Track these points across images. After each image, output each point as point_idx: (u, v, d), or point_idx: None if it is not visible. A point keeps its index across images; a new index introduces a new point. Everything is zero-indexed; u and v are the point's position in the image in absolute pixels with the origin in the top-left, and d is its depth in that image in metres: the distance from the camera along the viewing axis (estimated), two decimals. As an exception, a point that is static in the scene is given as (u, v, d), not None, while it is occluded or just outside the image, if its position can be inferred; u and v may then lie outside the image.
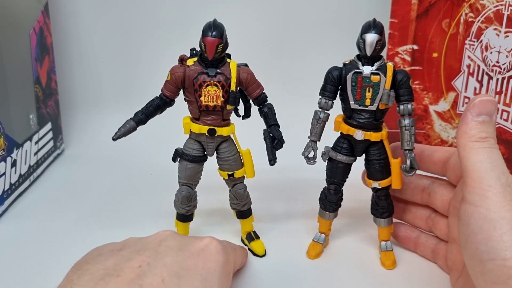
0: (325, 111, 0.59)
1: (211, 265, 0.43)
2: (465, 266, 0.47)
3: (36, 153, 0.83)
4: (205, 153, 0.61)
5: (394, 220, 0.63)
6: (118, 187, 0.81)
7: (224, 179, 0.63)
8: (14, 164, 0.75)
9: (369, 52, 0.54)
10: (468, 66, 0.78)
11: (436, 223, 0.59)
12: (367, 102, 0.56)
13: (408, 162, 0.56)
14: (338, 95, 0.58)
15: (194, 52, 0.59)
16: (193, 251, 0.43)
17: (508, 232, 0.42)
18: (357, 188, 0.64)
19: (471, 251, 0.44)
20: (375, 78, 0.55)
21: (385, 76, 0.55)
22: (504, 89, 0.72)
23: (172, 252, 0.42)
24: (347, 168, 0.60)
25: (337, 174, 0.60)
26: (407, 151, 0.56)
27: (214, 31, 0.55)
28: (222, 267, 0.44)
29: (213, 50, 0.55)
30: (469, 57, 0.78)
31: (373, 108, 0.56)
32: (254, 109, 0.62)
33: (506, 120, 0.72)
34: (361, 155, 0.60)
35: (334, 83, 0.57)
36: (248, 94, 0.60)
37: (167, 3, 0.96)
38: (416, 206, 0.62)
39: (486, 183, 0.45)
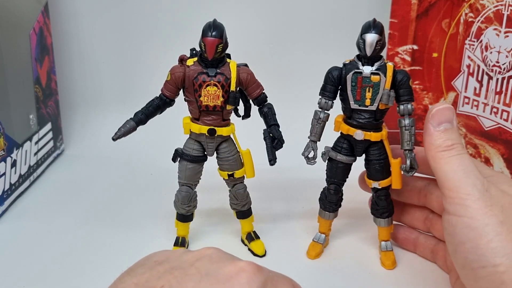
0: (325, 111, 0.59)
1: None
2: None
3: (36, 153, 0.83)
4: (205, 153, 0.61)
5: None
6: (118, 187, 0.81)
7: (224, 179, 0.63)
8: (14, 164, 0.75)
9: (369, 52, 0.54)
10: (468, 66, 0.78)
11: (434, 224, 0.59)
12: (367, 102, 0.56)
13: (408, 162, 0.56)
14: (338, 95, 0.58)
15: (194, 52, 0.59)
16: (220, 278, 0.37)
17: (495, 239, 0.42)
18: (357, 188, 0.64)
19: (461, 260, 0.44)
20: (375, 78, 0.55)
21: (385, 76, 0.55)
22: (504, 89, 0.72)
23: (197, 277, 0.37)
24: (347, 168, 0.60)
25: (337, 174, 0.60)
26: (407, 151, 0.56)
27: (214, 31, 0.55)
28: None
29: (213, 50, 0.55)
30: (469, 57, 0.78)
31: (373, 108, 0.56)
32: (254, 109, 0.62)
33: (506, 120, 0.72)
34: (361, 155, 0.60)
35: (334, 83, 0.57)
36: (248, 94, 0.60)
37: (167, 3, 0.96)
38: (414, 207, 0.62)
39: (464, 192, 0.45)
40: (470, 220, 0.43)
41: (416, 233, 0.62)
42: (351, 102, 0.56)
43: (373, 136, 0.57)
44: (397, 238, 0.63)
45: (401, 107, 0.56)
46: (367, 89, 0.55)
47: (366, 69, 0.55)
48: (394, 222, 0.63)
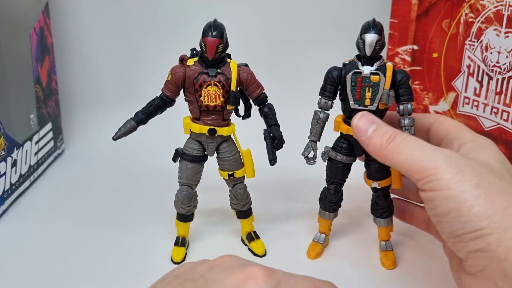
0: (325, 111, 0.59)
1: None
2: None
3: (36, 153, 0.83)
4: (205, 153, 0.62)
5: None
6: (118, 187, 0.81)
7: (224, 179, 0.63)
8: (14, 164, 0.75)
9: (368, 52, 0.54)
10: (468, 66, 0.78)
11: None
12: (367, 102, 0.56)
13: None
14: (338, 95, 0.58)
15: (194, 52, 0.59)
16: (225, 287, 0.36)
17: (475, 203, 0.42)
18: (357, 188, 0.64)
19: (447, 230, 0.44)
20: (374, 78, 0.55)
21: (385, 76, 0.55)
22: (504, 89, 0.72)
23: (202, 287, 0.37)
24: (347, 168, 0.60)
25: (337, 174, 0.60)
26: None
27: (215, 31, 0.55)
28: None
29: (213, 50, 0.55)
30: (469, 57, 0.78)
31: (373, 108, 0.56)
32: (254, 109, 0.62)
33: (506, 121, 0.72)
34: (361, 155, 0.60)
35: (333, 83, 0.57)
36: (248, 94, 0.60)
37: (167, 3, 0.96)
38: (415, 205, 0.62)
39: (429, 168, 0.44)
40: (448, 191, 0.43)
41: (412, 206, 0.62)
42: (351, 102, 0.56)
43: (373, 136, 0.57)
44: (394, 212, 0.63)
45: (401, 107, 0.56)
46: (366, 89, 0.55)
47: (366, 69, 0.55)
48: (392, 196, 0.62)
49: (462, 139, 0.51)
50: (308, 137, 0.60)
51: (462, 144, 0.50)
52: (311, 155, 0.60)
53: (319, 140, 0.60)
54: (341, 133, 0.59)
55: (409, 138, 0.47)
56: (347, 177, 0.61)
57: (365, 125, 0.50)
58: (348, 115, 0.58)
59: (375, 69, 0.55)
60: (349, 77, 0.56)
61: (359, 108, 0.56)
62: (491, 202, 0.41)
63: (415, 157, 0.45)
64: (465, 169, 0.43)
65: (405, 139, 0.47)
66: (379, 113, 0.57)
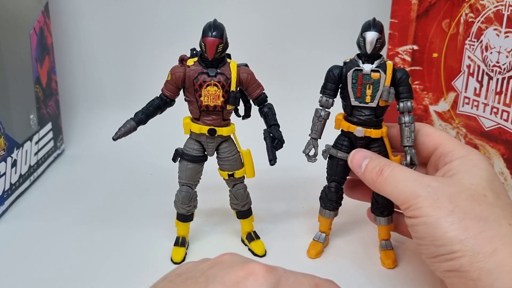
0: (326, 109, 0.59)
1: None
2: None
3: (36, 153, 0.83)
4: (205, 153, 0.62)
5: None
6: (118, 187, 0.81)
7: (224, 179, 0.63)
8: (14, 164, 0.75)
9: (369, 49, 0.54)
10: (468, 66, 0.78)
11: None
12: (368, 99, 0.56)
13: (408, 158, 0.56)
14: (338, 93, 0.58)
15: (194, 52, 0.59)
16: (226, 283, 0.36)
17: (449, 229, 0.45)
18: (357, 188, 0.64)
19: (425, 251, 0.48)
20: (375, 75, 0.55)
21: (385, 73, 0.55)
22: (504, 89, 0.72)
23: (203, 284, 0.37)
24: (347, 165, 0.60)
25: (337, 171, 0.60)
26: (407, 147, 0.57)
27: (214, 31, 0.55)
28: None
29: (213, 50, 0.55)
30: (469, 57, 0.78)
31: (373, 105, 0.56)
32: (254, 109, 0.62)
33: (506, 120, 0.72)
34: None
35: (334, 81, 0.57)
36: (248, 94, 0.60)
37: (167, 3, 0.96)
38: (398, 213, 0.62)
39: (411, 198, 0.48)
40: (426, 218, 0.47)
41: (397, 214, 0.62)
42: (352, 99, 0.57)
43: (374, 133, 0.57)
44: None
45: (401, 104, 0.57)
46: (367, 86, 0.56)
47: (366, 67, 0.56)
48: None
49: (453, 154, 0.53)
50: (309, 135, 0.60)
51: (453, 160, 0.52)
52: (312, 152, 0.60)
53: (320, 138, 0.60)
54: (342, 130, 0.59)
55: (395, 170, 0.52)
56: (348, 175, 0.61)
57: (359, 161, 0.55)
58: (349, 112, 0.58)
59: (376, 67, 0.56)
60: (350, 74, 0.56)
61: (360, 105, 0.56)
62: (465, 228, 0.45)
63: (400, 189, 0.50)
64: (442, 197, 0.47)
65: (392, 171, 0.52)
66: (380, 110, 0.57)
